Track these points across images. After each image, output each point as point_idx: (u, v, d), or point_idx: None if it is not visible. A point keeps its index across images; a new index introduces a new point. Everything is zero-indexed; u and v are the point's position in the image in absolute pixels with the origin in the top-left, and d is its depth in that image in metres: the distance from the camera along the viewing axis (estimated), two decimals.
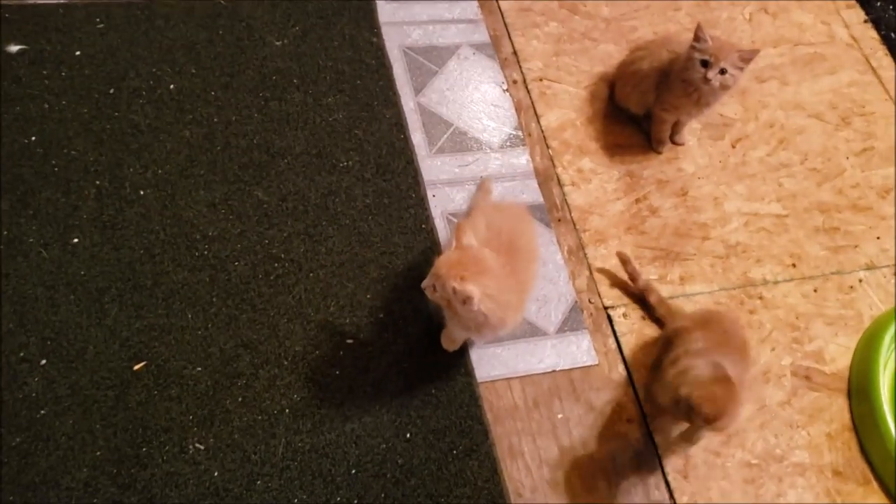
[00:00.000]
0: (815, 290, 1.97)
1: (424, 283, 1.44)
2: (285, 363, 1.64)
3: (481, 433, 1.64)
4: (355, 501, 1.53)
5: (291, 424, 1.58)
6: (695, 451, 1.72)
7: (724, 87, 1.85)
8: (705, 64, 1.81)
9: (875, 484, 1.77)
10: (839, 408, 1.84)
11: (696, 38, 1.82)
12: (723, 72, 1.81)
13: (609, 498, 1.64)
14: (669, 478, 1.68)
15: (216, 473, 1.51)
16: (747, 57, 1.80)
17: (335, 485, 1.54)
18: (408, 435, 1.61)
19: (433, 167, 1.95)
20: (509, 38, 2.19)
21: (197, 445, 1.52)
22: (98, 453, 1.48)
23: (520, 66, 2.15)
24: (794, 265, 2.00)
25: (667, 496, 1.67)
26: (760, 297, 1.94)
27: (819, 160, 2.18)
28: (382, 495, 1.55)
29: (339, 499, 1.53)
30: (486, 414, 1.67)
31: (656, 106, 1.99)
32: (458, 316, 1.45)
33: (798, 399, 1.83)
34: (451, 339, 1.68)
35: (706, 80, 1.82)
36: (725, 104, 2.20)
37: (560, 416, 1.70)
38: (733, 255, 1.98)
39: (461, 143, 2.00)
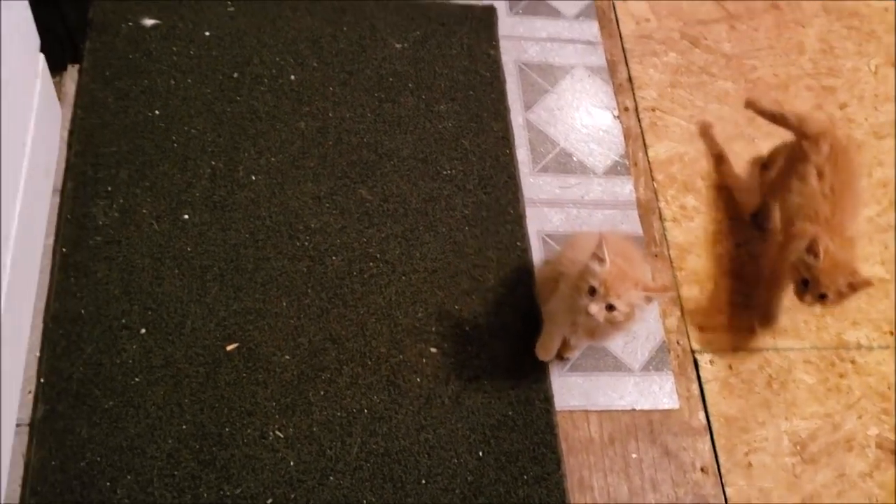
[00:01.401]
0: None
1: (594, 309, 1.40)
2: (369, 363, 1.66)
3: (553, 462, 1.63)
4: None
5: (368, 425, 1.60)
6: None
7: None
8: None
9: None
10: None
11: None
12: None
13: None
14: None
15: (292, 463, 1.54)
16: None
17: (404, 492, 1.56)
18: (480, 453, 1.62)
19: (535, 185, 1.94)
20: (626, 63, 2.17)
21: (277, 433, 1.56)
22: (184, 427, 1.53)
23: (633, 94, 2.13)
24: (891, 332, 1.94)
25: None
26: (853, 362, 1.89)
27: None
28: None
29: None
30: (560, 443, 1.66)
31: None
32: (606, 326, 1.46)
33: (881, 473, 1.77)
34: (547, 348, 1.68)
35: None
36: None
37: (634, 455, 1.69)
38: (829, 315, 1.93)
39: (565, 164, 1.99)
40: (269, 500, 1.50)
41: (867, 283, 1.63)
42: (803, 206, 1.76)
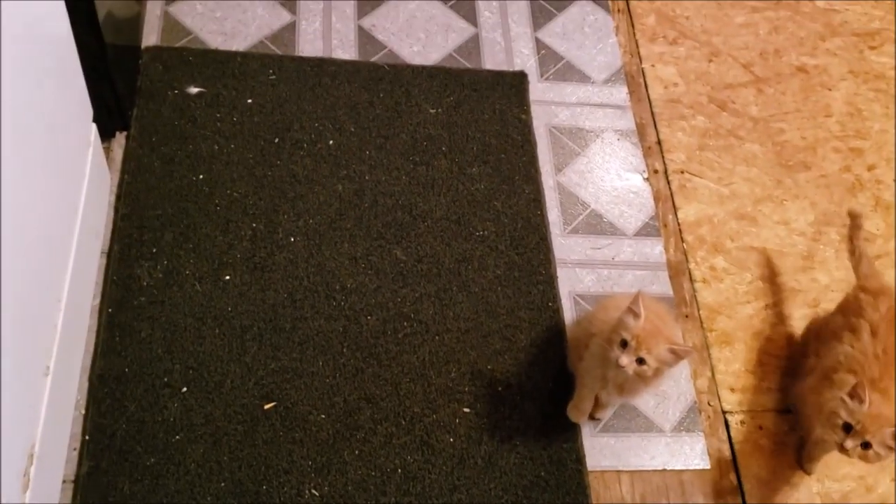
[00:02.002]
0: None
1: (625, 361, 1.43)
2: (403, 423, 1.69)
3: None
4: None
5: (402, 485, 1.62)
6: None
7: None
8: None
9: None
10: None
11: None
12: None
13: None
14: None
15: None
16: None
17: None
18: None
19: (566, 246, 1.98)
20: (655, 127, 2.22)
21: (313, 491, 1.59)
22: (222, 484, 1.56)
23: (662, 157, 2.17)
24: None
25: None
26: None
27: None
28: None
29: None
30: None
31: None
32: (635, 381, 1.50)
33: None
34: (580, 409, 1.70)
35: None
36: (869, 218, 2.16)
37: None
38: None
39: (596, 225, 2.03)
40: None
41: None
42: (851, 359, 1.62)
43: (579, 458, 1.71)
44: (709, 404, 1.83)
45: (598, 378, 1.57)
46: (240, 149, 1.93)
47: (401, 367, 1.74)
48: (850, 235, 1.82)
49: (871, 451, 1.48)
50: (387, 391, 1.71)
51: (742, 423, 1.82)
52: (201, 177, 1.88)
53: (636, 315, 1.43)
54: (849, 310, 1.73)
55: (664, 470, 1.74)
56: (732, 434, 1.80)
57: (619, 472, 1.72)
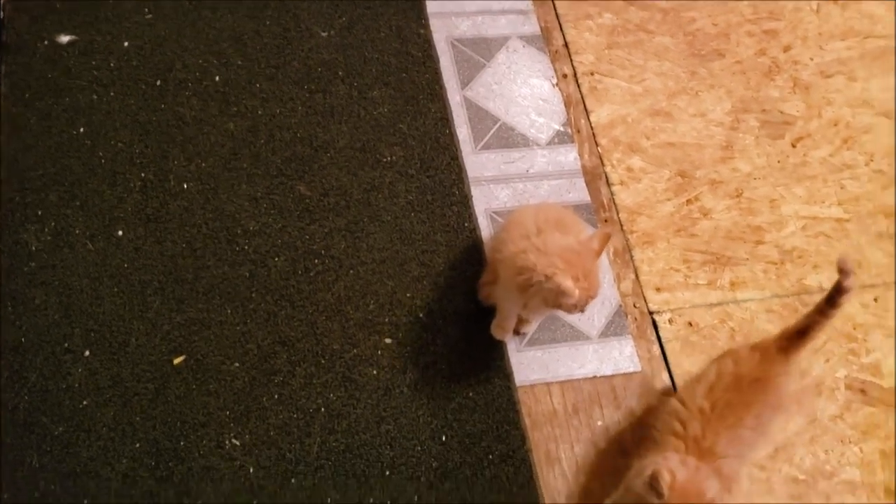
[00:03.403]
0: (876, 300, 1.89)
1: (574, 289, 1.39)
2: (322, 361, 1.63)
3: (518, 438, 1.61)
4: (388, 503, 1.53)
5: (327, 423, 1.58)
6: None
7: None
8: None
9: None
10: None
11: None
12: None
13: None
14: None
15: (251, 470, 1.52)
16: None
17: (369, 486, 1.54)
18: (443, 438, 1.60)
19: (478, 163, 1.91)
20: (561, 29, 2.13)
21: (233, 441, 1.53)
22: (137, 445, 1.50)
23: (570, 60, 2.09)
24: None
25: None
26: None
27: (886, 161, 2.08)
28: (416, 498, 1.54)
29: (372, 500, 1.53)
30: (523, 419, 1.64)
31: None
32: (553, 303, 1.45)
33: (851, 414, 1.76)
34: (503, 327, 1.66)
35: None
36: (787, 101, 2.11)
37: (600, 423, 1.67)
38: (788, 261, 1.91)
39: (508, 138, 1.95)
40: None
41: None
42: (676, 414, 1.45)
43: (507, 375, 1.67)
44: (634, 306, 1.80)
45: (517, 299, 1.53)
46: (120, 96, 1.82)
47: (315, 306, 1.68)
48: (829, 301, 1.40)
49: None
50: (303, 332, 1.65)
51: (670, 321, 1.80)
52: (82, 130, 1.76)
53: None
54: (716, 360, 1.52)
55: (594, 377, 1.71)
56: (661, 334, 1.78)
57: (548, 384, 1.69)
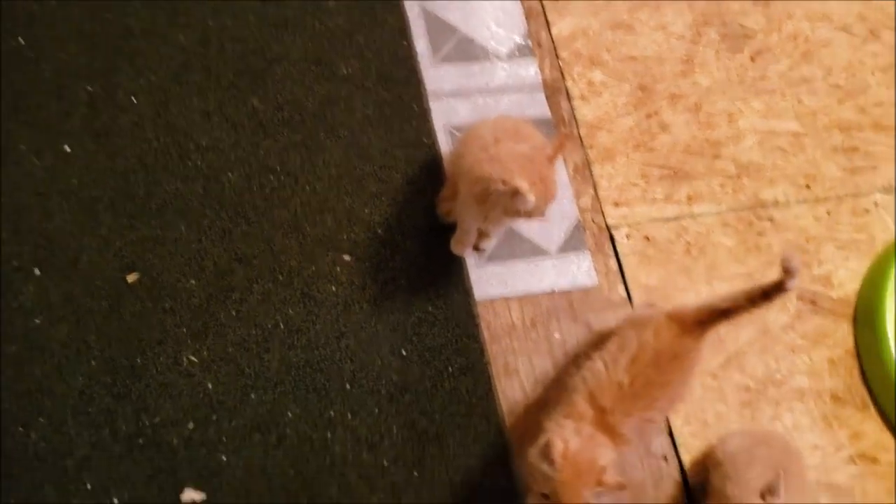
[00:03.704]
0: (829, 213, 1.92)
1: (529, 191, 1.36)
2: (280, 278, 1.62)
3: (477, 352, 1.63)
4: (349, 416, 1.54)
5: (286, 339, 1.58)
6: None
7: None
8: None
9: (873, 409, 1.76)
10: (844, 333, 1.81)
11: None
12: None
13: None
14: None
15: (210, 385, 1.52)
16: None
17: (329, 399, 1.55)
18: (403, 352, 1.61)
19: (437, 77, 1.87)
20: None
21: (191, 358, 1.53)
22: (93, 363, 1.49)
23: None
24: (808, 186, 1.94)
25: None
26: (770, 219, 1.89)
27: (843, 76, 2.08)
28: (376, 410, 1.56)
29: (332, 413, 1.54)
30: (482, 333, 1.65)
31: None
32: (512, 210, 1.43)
33: (802, 323, 1.80)
34: (462, 242, 1.65)
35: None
36: (748, 14, 2.09)
37: (557, 336, 1.69)
38: (745, 175, 1.92)
39: (467, 51, 1.91)
40: (190, 425, 1.49)
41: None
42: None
43: (466, 290, 1.68)
44: (593, 221, 1.81)
45: (477, 213, 1.52)
46: (63, 5, 1.73)
47: (271, 223, 1.66)
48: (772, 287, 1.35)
49: None
50: (259, 248, 1.63)
51: (628, 236, 1.81)
52: (22, 42, 1.68)
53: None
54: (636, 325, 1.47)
55: (553, 292, 1.73)
56: (619, 248, 1.79)
57: (507, 299, 1.70)
